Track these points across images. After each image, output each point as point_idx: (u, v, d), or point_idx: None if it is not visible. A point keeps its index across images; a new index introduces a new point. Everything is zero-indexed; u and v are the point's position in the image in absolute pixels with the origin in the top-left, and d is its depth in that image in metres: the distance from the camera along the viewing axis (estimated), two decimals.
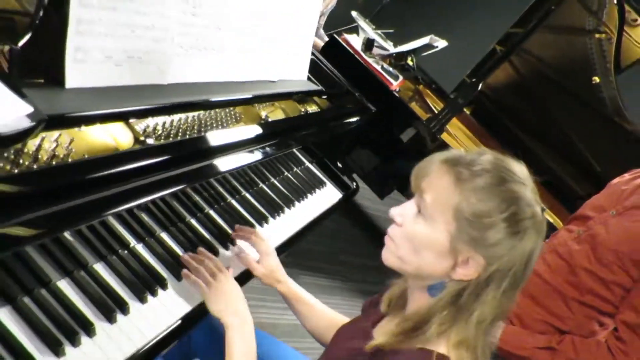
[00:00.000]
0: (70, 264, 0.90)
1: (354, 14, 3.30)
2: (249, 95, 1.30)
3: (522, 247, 0.78)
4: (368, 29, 3.11)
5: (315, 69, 1.79)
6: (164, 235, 1.12)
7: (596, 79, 2.91)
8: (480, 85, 2.92)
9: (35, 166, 0.76)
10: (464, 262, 0.79)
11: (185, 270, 1.06)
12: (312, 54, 1.74)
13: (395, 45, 3.33)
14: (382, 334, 0.88)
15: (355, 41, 2.91)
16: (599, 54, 2.90)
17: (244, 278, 1.20)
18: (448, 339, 0.81)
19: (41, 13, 0.69)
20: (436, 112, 3.04)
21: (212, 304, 1.02)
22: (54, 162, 0.79)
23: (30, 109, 0.65)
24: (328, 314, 1.22)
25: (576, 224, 1.48)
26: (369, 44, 2.79)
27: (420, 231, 0.82)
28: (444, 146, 2.66)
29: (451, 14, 5.26)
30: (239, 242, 1.26)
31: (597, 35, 2.88)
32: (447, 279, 0.82)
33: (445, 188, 0.79)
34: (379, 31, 3.26)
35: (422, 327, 0.81)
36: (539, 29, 2.91)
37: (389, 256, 0.87)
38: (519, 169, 0.81)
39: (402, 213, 0.85)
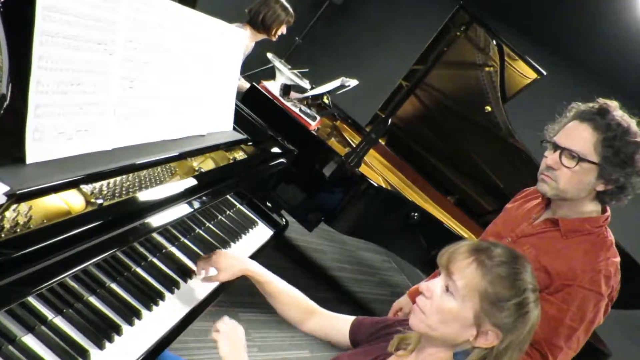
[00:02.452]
0: (32, 321, 0.99)
1: (269, 55, 3.46)
2: (182, 151, 1.44)
3: (529, 321, 1.01)
4: (284, 69, 3.30)
5: (239, 118, 1.95)
6: (114, 286, 1.22)
7: (488, 108, 3.26)
8: (392, 117, 3.19)
9: (2, 235, 0.86)
10: (484, 333, 1.01)
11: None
12: (236, 105, 1.90)
13: (311, 84, 3.55)
14: None
15: (274, 87, 3.11)
16: (490, 85, 3.26)
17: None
18: None
19: (5, 104, 0.81)
20: (354, 145, 3.28)
21: (223, 347, 1.19)
22: (17, 230, 0.89)
23: (4, 187, 0.76)
24: (297, 297, 1.40)
25: None
26: (286, 90, 2.99)
27: (449, 306, 1.02)
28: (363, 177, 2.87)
29: (360, 53, 5.63)
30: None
31: (487, 69, 3.25)
32: (468, 345, 1.04)
33: (472, 272, 1.01)
34: (295, 71, 3.46)
35: None
36: (437, 66, 3.24)
37: (419, 323, 1.07)
38: (525, 260, 1.05)
39: (431, 289, 1.06)
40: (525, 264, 1.04)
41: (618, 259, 1.44)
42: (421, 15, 5.23)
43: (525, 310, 1.01)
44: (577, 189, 1.40)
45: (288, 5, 3.23)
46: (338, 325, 1.36)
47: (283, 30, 3.27)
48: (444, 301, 1.03)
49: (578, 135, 1.38)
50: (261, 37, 3.28)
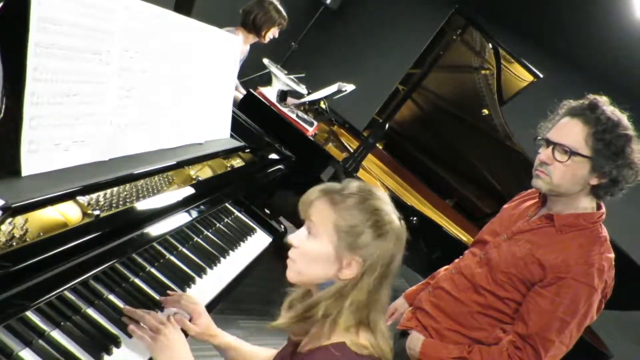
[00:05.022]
0: (29, 335, 0.98)
1: (265, 61, 3.45)
2: (179, 160, 1.43)
3: (386, 245, 1.03)
4: (280, 75, 3.29)
5: (236, 126, 1.95)
6: (112, 297, 1.21)
7: (485, 111, 3.27)
8: (389, 122, 3.19)
9: None
10: (348, 265, 1.03)
11: (131, 326, 1.16)
12: (233, 112, 1.90)
13: (307, 89, 3.54)
14: (282, 318, 1.10)
15: (270, 93, 3.10)
16: (486, 88, 3.26)
17: None
18: (339, 330, 1.01)
19: (0, 117, 0.80)
20: (351, 150, 3.27)
21: (156, 355, 1.13)
22: (14, 243, 0.89)
23: None
24: (261, 353, 1.34)
25: (478, 247, 1.67)
26: (282, 96, 2.98)
27: (311, 247, 1.06)
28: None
29: (356, 58, 5.64)
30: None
31: (483, 72, 3.25)
32: (337, 280, 1.04)
33: (325, 210, 1.04)
34: (291, 76, 3.45)
35: (311, 310, 1.03)
36: (434, 69, 3.24)
37: (290, 273, 1.09)
38: (378, 191, 1.08)
39: (297, 237, 1.08)
40: (373, 192, 1.07)
41: (612, 255, 1.45)
42: (417, 19, 5.25)
43: (380, 232, 1.02)
44: (571, 183, 1.43)
45: (282, 9, 3.22)
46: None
47: (275, 33, 3.26)
48: (307, 244, 1.06)
49: (569, 130, 1.42)
50: (253, 39, 3.26)
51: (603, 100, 1.43)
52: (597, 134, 1.37)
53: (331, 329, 1.01)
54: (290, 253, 1.09)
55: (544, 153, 1.45)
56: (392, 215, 1.05)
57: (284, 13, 3.23)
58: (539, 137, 1.50)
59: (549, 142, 1.45)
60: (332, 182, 1.10)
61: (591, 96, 1.45)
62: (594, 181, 1.41)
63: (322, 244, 1.04)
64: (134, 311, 1.18)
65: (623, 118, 1.41)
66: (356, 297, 1.02)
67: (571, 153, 1.39)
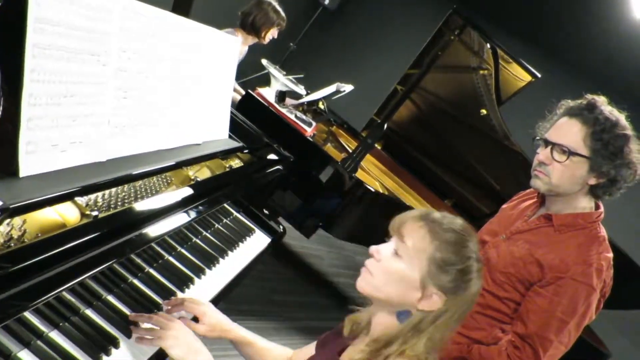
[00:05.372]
0: (27, 336, 0.98)
1: (264, 61, 3.45)
2: (177, 160, 1.43)
3: (470, 290, 1.04)
4: (279, 75, 3.29)
5: (235, 126, 1.95)
6: (111, 298, 1.21)
7: (483, 111, 3.27)
8: (387, 122, 3.20)
9: None
10: (429, 297, 1.03)
11: (133, 327, 1.16)
12: (232, 112, 1.90)
13: (306, 89, 3.54)
14: (353, 353, 1.08)
15: (269, 93, 3.10)
16: (485, 88, 3.27)
17: None
18: (403, 356, 1.01)
19: None
20: (350, 150, 3.27)
21: (174, 351, 1.13)
22: (12, 244, 0.88)
23: None
24: (274, 351, 1.33)
25: None
26: (281, 96, 2.99)
27: (397, 268, 1.04)
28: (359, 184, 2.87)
29: (354, 58, 5.64)
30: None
31: (481, 72, 3.26)
32: (413, 308, 1.04)
33: (422, 237, 1.03)
34: (290, 77, 3.45)
35: (389, 346, 1.02)
36: (432, 70, 3.25)
37: (365, 285, 1.07)
38: (470, 229, 1.08)
39: (380, 250, 1.07)
40: (473, 234, 1.07)
41: (611, 255, 1.46)
42: (415, 19, 5.26)
43: (469, 277, 1.03)
44: (570, 183, 1.43)
45: (280, 10, 3.23)
46: (309, 352, 1.31)
47: (274, 33, 3.26)
48: (392, 263, 1.05)
49: (568, 130, 1.42)
50: (252, 40, 3.27)
51: (601, 100, 1.43)
52: (595, 134, 1.38)
53: (397, 355, 1.02)
54: (370, 265, 1.08)
55: (543, 153, 1.45)
56: (479, 260, 1.06)
57: (282, 13, 3.23)
58: (538, 137, 1.50)
59: (547, 142, 1.45)
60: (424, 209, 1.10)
61: (589, 96, 1.45)
62: (593, 181, 1.42)
63: (409, 268, 1.03)
64: (140, 315, 1.18)
65: (621, 118, 1.41)
66: (433, 334, 1.02)
67: (570, 153, 1.39)
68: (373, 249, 1.09)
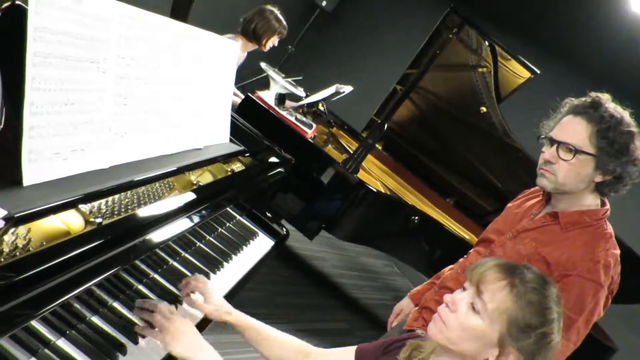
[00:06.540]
0: (34, 344, 0.98)
1: (263, 64, 3.46)
2: (179, 165, 1.43)
3: (550, 350, 1.01)
4: (278, 78, 3.30)
5: (235, 130, 1.95)
6: (117, 304, 1.21)
7: (483, 109, 3.27)
8: (388, 122, 3.20)
9: (1, 259, 0.85)
10: (507, 355, 1.01)
11: (137, 326, 1.16)
12: (232, 116, 1.90)
13: (305, 91, 3.55)
14: None
15: (269, 96, 3.11)
16: (484, 86, 3.27)
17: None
18: None
19: (0, 127, 0.81)
20: (351, 151, 3.28)
21: (173, 347, 1.13)
22: (17, 253, 0.88)
23: (1, 211, 0.75)
24: (286, 340, 1.33)
25: (483, 245, 1.67)
26: (281, 99, 2.99)
27: (475, 325, 1.01)
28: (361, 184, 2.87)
29: (353, 59, 5.64)
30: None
31: (480, 70, 3.26)
32: None
33: (502, 295, 1.00)
34: (289, 79, 3.46)
35: None
36: (431, 69, 3.25)
37: (438, 334, 1.05)
38: (552, 284, 1.05)
39: (456, 302, 1.05)
40: (553, 289, 1.04)
41: (618, 251, 1.46)
42: (412, 19, 5.26)
43: (549, 339, 1.00)
44: (576, 181, 1.43)
45: (282, 18, 3.23)
46: (340, 359, 1.31)
47: (274, 41, 3.27)
48: (470, 318, 1.02)
49: (573, 129, 1.42)
50: (252, 47, 3.28)
51: (605, 98, 1.43)
52: (600, 132, 1.38)
53: None
54: (444, 315, 1.05)
55: (548, 152, 1.45)
56: (559, 320, 1.03)
57: (284, 22, 3.24)
58: (542, 136, 1.50)
59: (552, 141, 1.45)
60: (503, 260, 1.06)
61: (593, 94, 1.45)
62: (598, 178, 1.42)
63: (488, 326, 1.00)
64: (146, 301, 1.20)
65: (626, 115, 1.41)
66: None
67: (575, 151, 1.39)
68: (448, 298, 1.07)
